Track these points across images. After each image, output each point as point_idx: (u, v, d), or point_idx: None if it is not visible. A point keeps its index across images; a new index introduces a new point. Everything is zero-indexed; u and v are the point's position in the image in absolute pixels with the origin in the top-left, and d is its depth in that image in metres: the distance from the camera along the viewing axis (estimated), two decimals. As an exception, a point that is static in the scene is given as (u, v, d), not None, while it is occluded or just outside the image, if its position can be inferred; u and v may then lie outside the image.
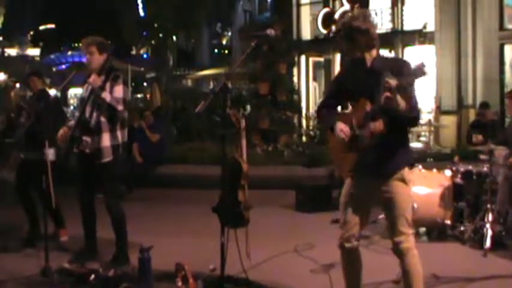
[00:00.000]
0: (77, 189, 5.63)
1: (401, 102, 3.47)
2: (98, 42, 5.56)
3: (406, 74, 3.48)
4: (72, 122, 5.68)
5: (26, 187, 6.40)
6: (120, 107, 5.36)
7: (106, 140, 5.40)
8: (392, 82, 3.38)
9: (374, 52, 3.83)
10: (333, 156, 4.15)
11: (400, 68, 3.60)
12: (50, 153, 6.03)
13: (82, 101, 5.69)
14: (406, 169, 3.89)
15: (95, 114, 5.40)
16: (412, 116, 3.66)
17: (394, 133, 3.76)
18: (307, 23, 18.63)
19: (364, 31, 3.75)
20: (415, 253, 3.89)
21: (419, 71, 3.41)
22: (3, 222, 7.20)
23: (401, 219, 3.84)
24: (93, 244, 5.71)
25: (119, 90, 5.39)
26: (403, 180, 3.85)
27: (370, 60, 3.81)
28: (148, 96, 25.92)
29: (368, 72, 3.77)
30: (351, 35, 3.76)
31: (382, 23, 15.99)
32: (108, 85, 5.38)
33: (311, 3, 18.57)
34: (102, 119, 5.39)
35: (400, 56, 15.47)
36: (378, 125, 3.66)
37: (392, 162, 3.83)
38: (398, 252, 3.88)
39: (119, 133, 5.48)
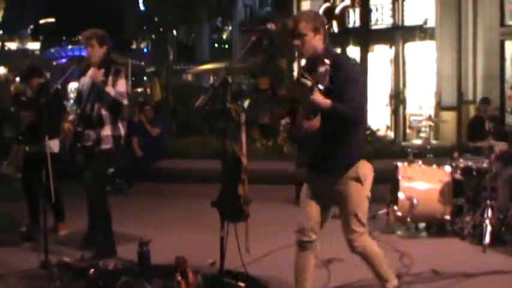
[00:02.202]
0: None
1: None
2: (98, 35, 5.53)
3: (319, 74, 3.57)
4: (72, 116, 5.66)
5: (31, 181, 6.38)
6: (125, 101, 5.38)
7: (107, 130, 5.41)
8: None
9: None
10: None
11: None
12: (54, 146, 6.04)
13: (79, 95, 5.68)
14: (360, 165, 3.88)
15: (96, 108, 5.39)
16: (340, 113, 3.66)
17: (335, 128, 3.76)
18: (308, 18, 18.55)
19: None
20: (369, 247, 3.99)
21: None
22: (3, 216, 7.20)
23: (353, 218, 3.90)
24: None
25: (122, 84, 5.40)
26: (356, 178, 3.86)
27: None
28: (148, 90, 25.89)
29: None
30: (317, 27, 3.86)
31: (383, 18, 15.94)
32: (110, 79, 5.37)
33: (312, -2, 18.52)
34: (104, 112, 5.38)
35: (401, 51, 15.47)
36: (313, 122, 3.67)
37: (338, 159, 3.86)
38: (354, 250, 3.99)
39: (120, 125, 5.49)
